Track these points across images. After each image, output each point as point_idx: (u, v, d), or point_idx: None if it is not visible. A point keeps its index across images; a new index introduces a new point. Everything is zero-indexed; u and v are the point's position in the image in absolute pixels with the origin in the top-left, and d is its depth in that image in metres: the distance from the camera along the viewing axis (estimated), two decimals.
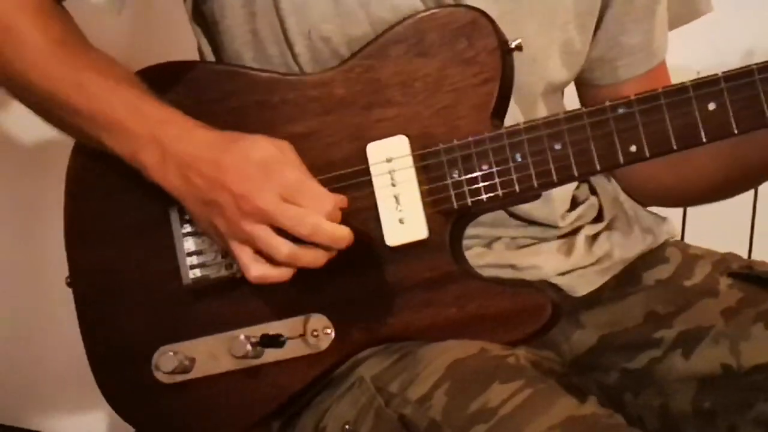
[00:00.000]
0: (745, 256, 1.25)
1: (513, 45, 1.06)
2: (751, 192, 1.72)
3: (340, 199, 1.02)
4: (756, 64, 0.98)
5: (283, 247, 1.00)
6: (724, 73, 0.98)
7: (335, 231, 1.00)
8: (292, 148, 1.03)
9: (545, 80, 1.18)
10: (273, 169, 1.00)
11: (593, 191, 1.25)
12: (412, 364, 1.03)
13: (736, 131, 0.98)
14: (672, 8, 1.23)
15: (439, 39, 1.06)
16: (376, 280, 1.06)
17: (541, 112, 1.17)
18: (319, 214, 0.99)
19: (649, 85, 1.15)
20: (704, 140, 0.99)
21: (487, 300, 1.05)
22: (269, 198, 0.99)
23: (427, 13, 1.06)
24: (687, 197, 1.26)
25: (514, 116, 1.09)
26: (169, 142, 1.04)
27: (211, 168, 1.02)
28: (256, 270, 1.02)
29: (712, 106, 0.98)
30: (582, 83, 1.24)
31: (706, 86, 0.98)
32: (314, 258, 1.01)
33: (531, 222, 1.18)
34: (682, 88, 0.99)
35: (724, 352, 1.13)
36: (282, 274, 1.02)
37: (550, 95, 1.21)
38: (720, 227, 1.72)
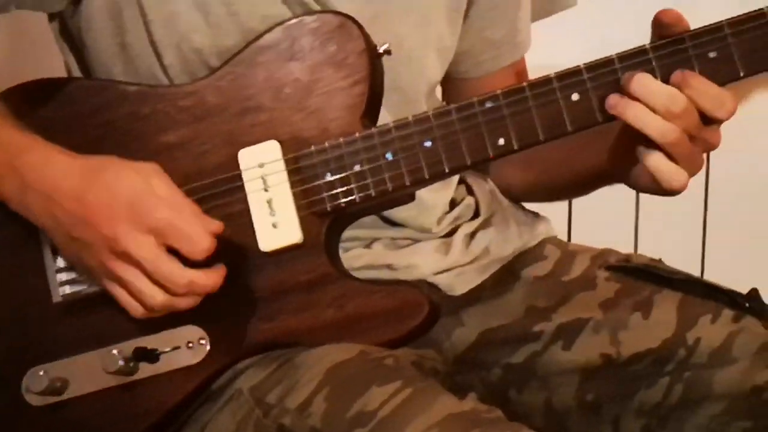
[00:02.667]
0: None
1: (381, 49, 1.06)
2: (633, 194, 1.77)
3: (215, 227, 1.00)
4: (617, 53, 0.99)
5: (157, 297, 0.99)
6: (585, 64, 0.99)
7: (208, 283, 0.99)
8: (158, 171, 1.00)
9: (425, 78, 1.17)
10: (141, 209, 0.98)
11: (470, 191, 1.24)
12: (290, 371, 1.01)
13: (600, 119, 0.99)
14: (534, 1, 1.24)
15: (308, 44, 1.05)
16: (252, 286, 1.04)
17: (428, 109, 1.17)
18: (190, 270, 0.98)
19: (513, 77, 1.16)
20: (570, 129, 0.99)
21: (365, 300, 1.04)
22: (142, 244, 0.97)
23: (296, 19, 1.06)
24: (543, 196, 1.28)
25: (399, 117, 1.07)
26: (28, 172, 1.01)
27: (74, 204, 0.99)
28: (137, 310, 1.00)
29: (575, 97, 0.98)
30: (447, 77, 1.23)
31: (568, 77, 0.99)
32: (192, 303, 1.00)
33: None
34: (546, 80, 0.99)
35: (604, 343, 1.13)
36: (165, 311, 1.01)
37: (432, 94, 1.21)
38: (605, 225, 1.76)
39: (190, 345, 1.05)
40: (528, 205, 1.29)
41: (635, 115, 0.96)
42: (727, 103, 0.97)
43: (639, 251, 1.79)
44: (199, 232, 0.99)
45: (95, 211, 0.99)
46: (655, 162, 0.97)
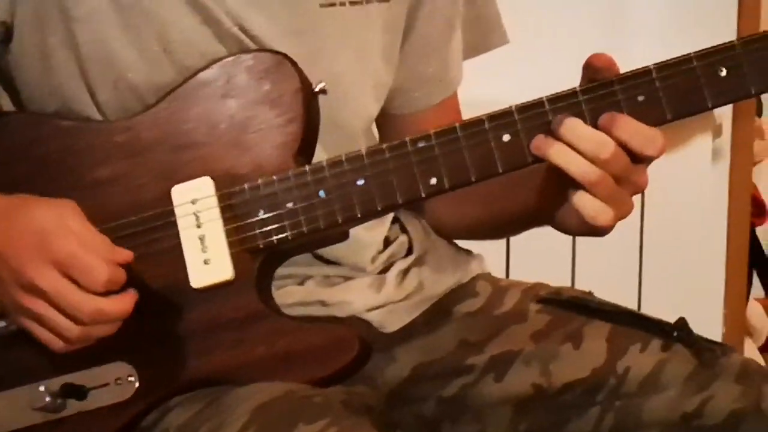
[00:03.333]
0: None
1: (317, 88, 1.06)
2: None
3: (123, 257, 0.99)
4: (547, 96, 0.99)
5: (73, 329, 0.98)
6: (516, 105, 1.00)
7: (115, 310, 0.98)
8: (73, 207, 1.00)
9: (362, 115, 1.18)
10: (47, 242, 0.97)
11: (404, 230, 1.25)
12: (218, 410, 1.00)
13: (530, 160, 0.99)
14: (467, 39, 1.25)
15: (244, 81, 1.05)
16: (182, 323, 1.03)
17: (364, 147, 1.18)
18: (96, 292, 0.97)
19: (444, 113, 1.16)
20: (500, 170, 0.99)
21: (296, 337, 1.03)
22: (46, 274, 0.97)
23: (232, 57, 1.06)
24: (474, 234, 1.28)
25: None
26: None
27: None
28: (56, 344, 0.99)
29: (506, 137, 0.99)
30: (380, 113, 1.22)
31: (500, 118, 0.99)
32: (108, 330, 0.99)
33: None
34: (477, 121, 0.99)
35: (535, 374, 1.14)
36: (86, 342, 1.00)
37: (369, 130, 1.22)
38: (542, 260, 1.78)
39: (119, 382, 1.04)
40: (466, 242, 1.30)
41: (558, 154, 0.97)
42: (657, 140, 0.97)
43: (576, 285, 1.82)
44: (99, 263, 0.98)
45: (5, 247, 0.98)
46: (580, 200, 0.97)
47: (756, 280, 2.42)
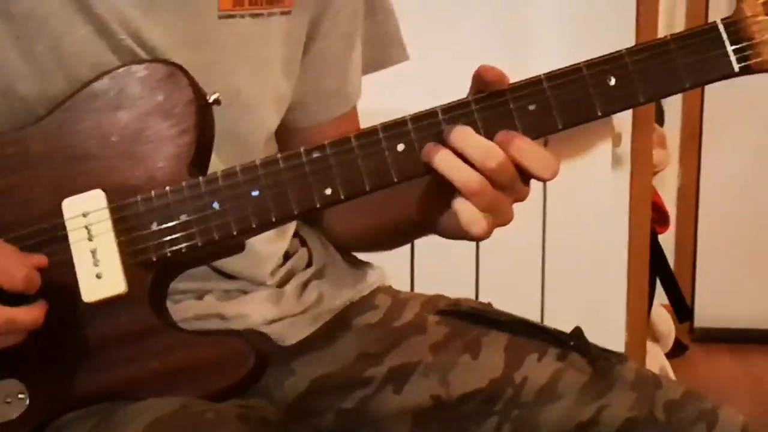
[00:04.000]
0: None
1: (211, 99, 1.04)
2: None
3: (37, 260, 0.98)
4: (440, 106, 0.99)
5: None
6: (411, 115, 0.99)
7: (27, 318, 0.97)
8: None
9: (263, 127, 1.17)
10: None
11: (303, 243, 1.24)
12: (111, 426, 0.98)
13: (424, 170, 0.98)
14: (367, 54, 1.25)
15: (137, 92, 1.03)
16: (75, 338, 1.01)
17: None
18: (7, 307, 0.95)
19: (343, 126, 1.15)
20: (395, 180, 0.99)
21: (190, 351, 1.01)
22: None
23: (124, 67, 1.04)
24: (368, 245, 1.28)
25: None
26: None
27: None
28: None
29: (400, 147, 0.98)
30: (279, 125, 1.22)
31: (394, 128, 0.99)
32: (15, 341, 0.97)
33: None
34: (372, 131, 0.99)
35: (434, 384, 1.14)
36: None
37: (270, 142, 1.21)
38: (447, 272, 1.79)
39: (9, 400, 1.00)
40: (369, 255, 1.29)
41: (442, 161, 0.97)
42: (551, 164, 0.97)
43: (480, 295, 1.83)
44: (15, 263, 0.96)
45: None
46: (459, 206, 0.97)
47: (660, 287, 2.47)
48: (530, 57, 1.81)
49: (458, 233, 1.00)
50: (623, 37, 1.80)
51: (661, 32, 2.08)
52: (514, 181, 0.97)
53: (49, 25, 1.05)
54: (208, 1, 1.09)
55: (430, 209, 1.04)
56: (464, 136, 0.97)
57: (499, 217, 0.99)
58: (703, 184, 2.96)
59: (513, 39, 1.82)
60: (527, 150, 0.96)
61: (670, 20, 2.69)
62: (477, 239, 1.00)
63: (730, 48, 0.98)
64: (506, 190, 0.98)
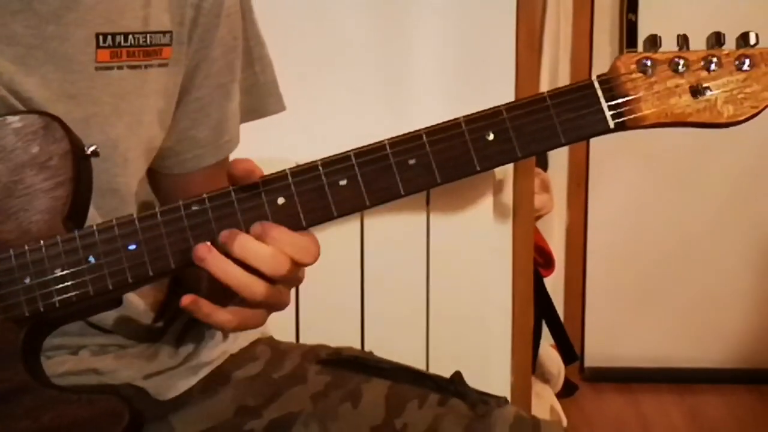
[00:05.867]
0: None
1: (89, 151, 1.02)
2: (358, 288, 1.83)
3: None
4: (321, 159, 0.99)
5: None
6: (291, 168, 0.99)
7: None
8: None
9: (137, 178, 1.15)
10: None
11: (178, 294, 1.21)
12: None
13: (304, 224, 0.99)
14: (244, 103, 1.24)
15: (11, 144, 1.01)
16: None
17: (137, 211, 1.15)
18: None
19: (217, 174, 1.12)
20: None
21: (63, 409, 0.98)
22: None
23: None
24: None
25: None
26: None
27: None
28: None
29: (281, 200, 0.98)
30: (151, 170, 1.21)
31: (274, 182, 0.98)
32: None
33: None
34: (252, 185, 0.98)
35: None
36: None
37: (143, 190, 1.19)
38: (332, 321, 1.79)
39: None
40: None
41: (224, 271, 0.96)
42: (311, 248, 0.98)
43: (366, 343, 1.83)
44: None
45: None
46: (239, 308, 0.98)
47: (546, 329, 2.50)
48: (411, 105, 1.82)
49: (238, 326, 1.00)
50: (504, 89, 1.83)
51: (544, 87, 2.12)
52: (292, 272, 0.98)
53: None
54: (84, 53, 1.08)
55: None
56: (248, 246, 0.96)
57: (277, 305, 1.00)
58: (590, 225, 3.00)
59: (393, 87, 1.83)
60: (285, 239, 0.97)
61: (554, 69, 2.73)
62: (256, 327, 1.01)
63: (605, 105, 0.99)
64: (285, 282, 0.98)
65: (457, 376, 1.17)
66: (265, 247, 0.96)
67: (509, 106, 0.99)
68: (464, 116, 1.00)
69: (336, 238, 1.69)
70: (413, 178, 0.99)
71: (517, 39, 1.85)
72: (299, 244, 0.97)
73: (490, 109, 1.00)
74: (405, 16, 1.86)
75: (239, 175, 0.97)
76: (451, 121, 1.00)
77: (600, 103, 0.99)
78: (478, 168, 1.00)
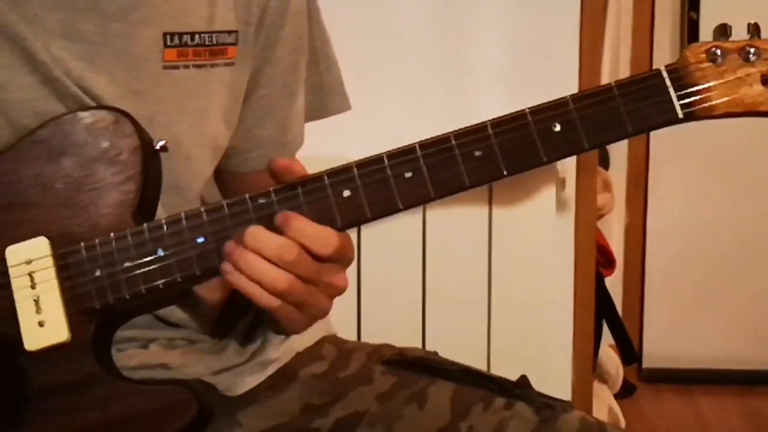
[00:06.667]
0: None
1: (158, 146, 1.03)
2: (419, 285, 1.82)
3: None
4: (387, 151, 0.99)
5: None
6: (356, 161, 0.99)
7: None
8: None
9: (201, 176, 1.16)
10: None
11: None
12: None
13: (369, 215, 0.99)
14: (309, 103, 1.24)
15: (81, 139, 1.02)
16: (15, 387, 0.98)
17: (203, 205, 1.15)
18: None
19: None
20: (340, 225, 0.98)
21: (131, 400, 0.99)
22: None
23: (69, 114, 1.02)
24: None
25: None
26: None
27: None
28: None
29: (346, 193, 0.98)
30: (216, 168, 1.21)
31: (339, 174, 0.98)
32: None
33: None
34: (317, 177, 0.98)
35: None
36: None
37: (208, 186, 1.19)
38: (393, 321, 1.78)
39: None
40: None
41: (246, 264, 0.96)
42: (329, 239, 0.97)
43: (427, 343, 1.82)
44: None
45: None
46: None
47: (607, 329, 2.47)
48: (472, 102, 1.81)
49: (276, 328, 1.02)
50: (567, 83, 1.81)
51: (605, 79, 2.10)
52: (317, 272, 0.97)
53: None
54: (152, 52, 1.08)
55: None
56: (257, 236, 0.96)
57: (315, 312, 0.99)
58: (649, 225, 2.97)
59: (455, 85, 1.82)
60: (302, 229, 0.96)
61: (614, 67, 2.71)
62: (294, 332, 1.02)
63: (674, 95, 0.98)
64: (316, 284, 0.97)
65: (523, 379, 1.16)
66: (275, 236, 0.96)
67: (576, 97, 0.98)
68: (530, 107, 0.99)
69: (397, 234, 1.69)
70: (478, 169, 0.99)
71: (581, 34, 1.84)
72: (316, 235, 0.96)
73: (556, 99, 0.99)
74: (466, 11, 1.85)
75: (279, 170, 0.97)
76: (516, 112, 0.99)
77: (668, 93, 0.97)
78: (544, 159, 0.99)
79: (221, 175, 1.22)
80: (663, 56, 2.74)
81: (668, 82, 0.97)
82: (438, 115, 1.81)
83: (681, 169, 2.91)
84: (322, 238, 0.96)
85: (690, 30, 2.76)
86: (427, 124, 1.75)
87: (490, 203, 1.79)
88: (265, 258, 0.95)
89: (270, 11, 1.16)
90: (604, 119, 0.98)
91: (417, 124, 1.75)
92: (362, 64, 1.77)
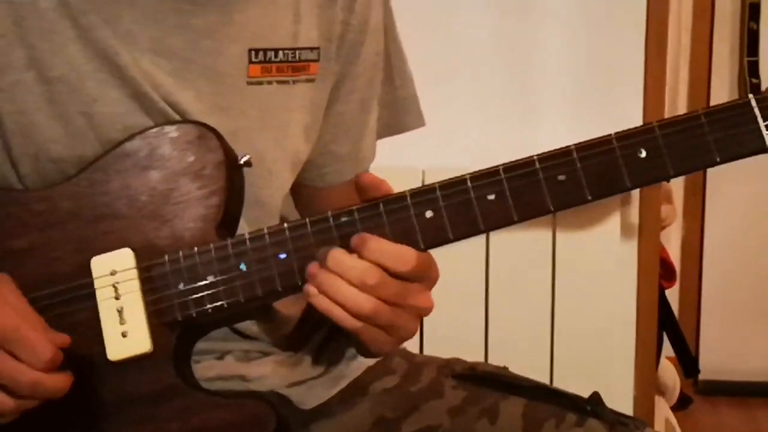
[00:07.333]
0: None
1: (242, 161, 1.04)
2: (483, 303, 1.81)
3: (62, 340, 0.96)
4: (470, 173, 0.98)
5: (6, 404, 0.94)
6: (439, 182, 0.98)
7: (55, 386, 0.95)
8: (7, 281, 0.97)
9: (281, 191, 1.16)
10: None
11: None
12: None
13: (451, 236, 0.98)
14: (383, 118, 1.25)
15: (167, 153, 1.02)
16: (96, 396, 0.99)
17: (281, 219, 1.16)
18: (36, 370, 0.93)
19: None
20: (422, 246, 0.98)
21: (211, 412, 1.00)
22: None
23: (156, 128, 1.03)
24: None
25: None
26: None
27: None
28: None
29: (429, 214, 0.98)
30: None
31: (422, 194, 0.98)
32: (34, 404, 0.96)
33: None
34: (400, 197, 0.98)
35: None
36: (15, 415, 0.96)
37: (286, 200, 1.20)
38: (457, 335, 1.78)
39: None
40: None
41: (330, 287, 0.96)
42: (407, 257, 0.96)
43: (489, 359, 1.81)
44: (42, 341, 0.95)
45: None
46: (356, 329, 0.97)
47: (666, 340, 2.45)
48: (537, 115, 1.80)
49: (361, 349, 1.01)
50: (631, 97, 1.80)
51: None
52: (402, 295, 0.97)
53: (83, 88, 1.04)
54: (237, 68, 1.09)
55: None
56: (340, 259, 0.96)
57: (400, 333, 0.99)
58: (706, 237, 2.94)
59: (520, 97, 1.81)
60: (379, 248, 0.96)
61: (673, 78, 2.69)
62: (381, 355, 1.01)
63: (762, 124, 0.96)
64: (401, 307, 0.97)
65: (596, 396, 1.15)
66: (357, 260, 0.96)
67: (662, 123, 0.97)
68: (615, 132, 0.98)
69: (461, 253, 1.68)
70: (562, 194, 0.98)
71: (646, 48, 1.82)
72: (394, 252, 0.96)
73: (642, 125, 0.98)
74: (532, 25, 1.84)
75: (366, 185, 0.97)
76: (601, 137, 0.98)
77: (757, 122, 0.96)
78: (629, 185, 0.98)
79: (295, 189, 1.22)
80: (722, 67, 2.71)
81: (757, 111, 0.96)
82: (503, 125, 1.80)
83: (739, 181, 2.88)
84: (400, 255, 0.96)
85: (750, 40, 2.73)
86: (493, 135, 1.75)
87: (553, 224, 1.78)
88: (347, 281, 0.95)
89: (351, 28, 1.16)
90: (690, 147, 0.97)
91: (483, 135, 1.75)
92: (428, 75, 1.77)
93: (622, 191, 0.99)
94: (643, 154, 0.97)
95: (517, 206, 0.98)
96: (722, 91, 2.73)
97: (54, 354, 0.95)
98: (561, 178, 0.98)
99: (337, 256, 0.96)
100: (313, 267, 0.97)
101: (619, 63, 1.83)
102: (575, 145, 0.98)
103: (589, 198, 0.98)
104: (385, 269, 0.96)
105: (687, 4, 2.73)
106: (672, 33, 2.61)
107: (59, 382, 0.96)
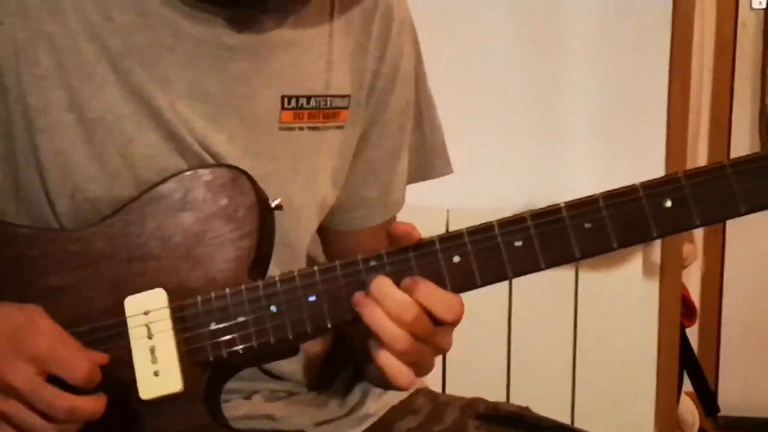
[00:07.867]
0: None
1: (274, 204, 1.05)
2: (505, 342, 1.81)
3: (99, 358, 0.98)
4: (497, 220, 0.99)
5: (46, 429, 0.95)
6: (468, 228, 1.00)
7: (90, 408, 0.96)
8: (42, 312, 0.98)
9: (309, 233, 1.17)
10: (22, 339, 0.95)
11: (345, 344, 1.22)
12: None
13: (479, 282, 0.99)
14: (412, 164, 1.25)
15: (201, 195, 1.04)
16: None
17: (311, 264, 1.17)
18: (71, 396, 0.95)
19: (382, 235, 1.16)
20: (450, 290, 0.98)
21: None
22: (22, 373, 0.94)
23: (191, 171, 1.05)
24: None
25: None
26: None
27: None
28: None
29: (456, 259, 0.98)
30: (319, 225, 1.22)
31: (450, 239, 0.99)
32: (70, 430, 0.97)
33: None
34: (429, 242, 0.99)
35: None
36: None
37: (313, 242, 1.21)
38: (478, 375, 1.78)
39: None
40: None
41: (371, 317, 0.97)
42: (455, 307, 0.97)
43: (511, 399, 1.81)
44: (79, 357, 0.96)
45: None
46: (384, 360, 0.97)
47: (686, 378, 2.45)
48: (562, 146, 1.79)
49: (381, 381, 1.01)
50: (655, 119, 1.80)
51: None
52: (430, 333, 0.97)
53: (121, 129, 1.06)
54: (270, 114, 1.10)
55: (361, 351, 1.03)
56: (382, 289, 0.97)
57: (421, 369, 0.99)
58: (726, 275, 2.94)
59: (545, 147, 1.82)
60: (430, 294, 0.97)
61: (696, 97, 2.67)
62: (401, 389, 1.00)
63: None
64: (425, 342, 0.97)
65: None
66: (398, 293, 0.97)
67: (688, 173, 0.98)
68: (641, 182, 0.99)
69: (484, 292, 1.68)
70: (589, 241, 0.99)
71: (669, 86, 1.83)
72: (445, 300, 0.97)
73: (667, 175, 0.99)
74: (557, 68, 1.85)
75: (398, 235, 0.98)
76: (627, 186, 0.99)
77: None
78: (654, 234, 0.99)
79: (322, 232, 1.24)
80: (744, 104, 2.71)
81: None
82: (526, 173, 1.80)
83: (759, 218, 2.85)
84: (451, 306, 0.97)
85: None
86: (518, 172, 1.76)
87: (576, 266, 1.79)
88: (385, 311, 0.96)
89: (382, 76, 1.17)
90: (716, 197, 0.97)
91: (508, 179, 1.76)
92: (453, 112, 1.79)
93: (648, 240, 1.00)
94: (669, 203, 0.98)
95: (544, 253, 0.99)
96: (743, 126, 2.73)
97: (91, 370, 0.96)
98: (587, 225, 0.98)
99: (380, 283, 0.97)
100: (358, 295, 0.98)
101: (641, 101, 1.84)
102: (601, 193, 0.99)
103: (615, 246, 0.99)
104: (430, 314, 0.97)
105: (709, 42, 2.73)
106: (694, 71, 2.62)
107: (93, 405, 0.97)
